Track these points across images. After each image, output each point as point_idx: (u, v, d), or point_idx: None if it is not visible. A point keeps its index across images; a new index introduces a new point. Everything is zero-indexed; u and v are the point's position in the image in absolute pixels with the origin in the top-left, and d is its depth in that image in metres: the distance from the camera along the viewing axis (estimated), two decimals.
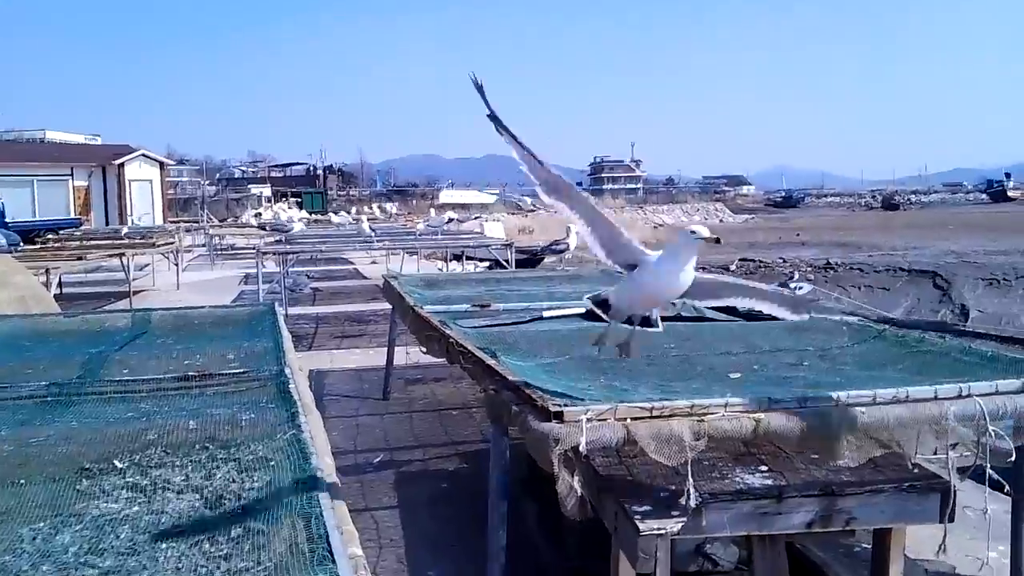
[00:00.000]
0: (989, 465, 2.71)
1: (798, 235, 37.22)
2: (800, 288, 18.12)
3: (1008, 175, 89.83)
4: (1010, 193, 76.27)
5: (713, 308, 4.91)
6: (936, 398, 2.53)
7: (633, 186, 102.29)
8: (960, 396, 2.54)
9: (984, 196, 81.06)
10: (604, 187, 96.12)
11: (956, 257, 23.53)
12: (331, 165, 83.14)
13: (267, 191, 58.80)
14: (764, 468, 2.82)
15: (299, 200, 54.97)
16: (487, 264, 16.59)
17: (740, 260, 27.01)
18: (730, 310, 4.91)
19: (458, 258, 16.91)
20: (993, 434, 2.50)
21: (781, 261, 25.95)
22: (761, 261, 26.43)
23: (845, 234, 36.42)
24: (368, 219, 16.78)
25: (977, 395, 2.54)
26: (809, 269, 23.63)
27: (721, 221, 64.19)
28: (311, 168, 79.32)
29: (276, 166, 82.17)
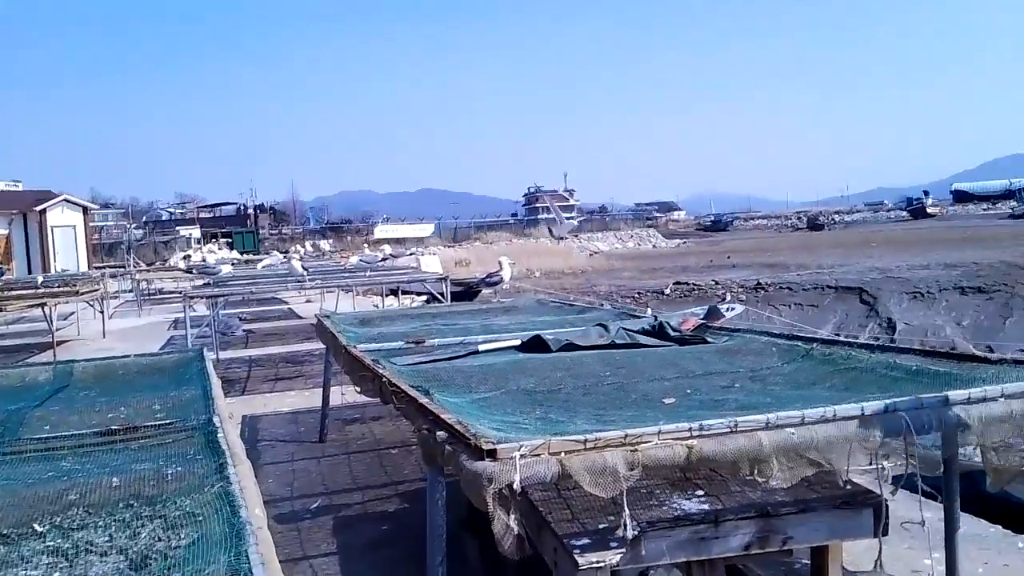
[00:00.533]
0: (920, 477, 2.79)
1: (728, 257, 38.04)
2: (732, 309, 18.47)
3: (927, 192, 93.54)
4: (929, 210, 79.26)
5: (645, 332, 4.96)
6: (863, 415, 2.57)
7: (567, 215, 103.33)
8: (886, 412, 2.58)
9: (904, 213, 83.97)
10: (539, 216, 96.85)
11: (880, 273, 24.34)
12: (262, 204, 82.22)
13: (196, 232, 57.67)
14: (700, 493, 2.84)
15: (230, 240, 53.94)
16: (425, 298, 16.53)
17: (674, 284, 27.49)
18: (663, 335, 4.96)
19: (395, 293, 16.78)
20: (920, 447, 2.56)
21: (713, 283, 26.50)
22: (695, 284, 26.94)
23: (773, 255, 37.36)
24: (299, 258, 16.54)
25: (903, 410, 2.59)
26: (741, 290, 24.17)
27: (654, 246, 65.29)
28: (242, 207, 78.24)
29: (205, 206, 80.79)
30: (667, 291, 26.40)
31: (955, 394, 2.70)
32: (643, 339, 4.87)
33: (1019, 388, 2.81)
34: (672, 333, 4.97)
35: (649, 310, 6.85)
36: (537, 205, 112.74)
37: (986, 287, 20.31)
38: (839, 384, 3.47)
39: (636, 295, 26.06)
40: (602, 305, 8.78)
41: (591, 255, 52.52)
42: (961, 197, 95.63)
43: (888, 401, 2.62)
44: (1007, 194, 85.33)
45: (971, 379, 3.13)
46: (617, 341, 4.81)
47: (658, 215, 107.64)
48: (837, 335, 18.78)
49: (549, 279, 35.40)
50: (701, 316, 6.48)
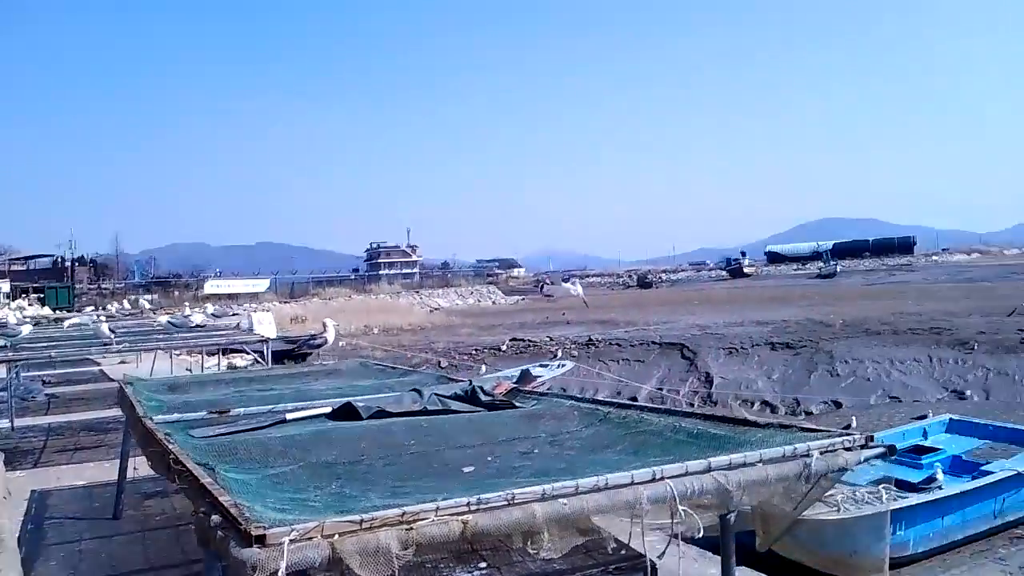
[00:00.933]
0: (698, 535, 2.93)
1: (564, 314, 39.02)
2: (563, 365, 18.97)
3: (744, 253, 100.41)
4: (746, 270, 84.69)
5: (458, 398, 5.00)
6: (632, 483, 2.69)
7: (409, 271, 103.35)
8: (653, 480, 2.72)
9: (724, 273, 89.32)
10: (381, 272, 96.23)
11: (700, 330, 25.72)
12: (82, 256, 77.37)
13: (5, 287, 53.27)
14: (483, 565, 2.86)
15: (41, 296, 50.03)
16: (253, 358, 15.97)
17: (511, 340, 27.88)
18: (474, 400, 5.02)
19: (222, 353, 16.11)
20: (683, 513, 2.70)
21: (548, 340, 27.09)
22: (531, 340, 27.43)
23: (605, 312, 38.65)
24: (105, 319, 15.50)
25: (668, 478, 2.74)
26: (573, 346, 24.85)
27: (494, 303, 66.09)
28: (59, 260, 73.23)
29: (17, 259, 75.02)
30: (504, 348, 26.71)
31: (717, 460, 2.89)
32: (454, 404, 4.91)
33: (776, 453, 3.05)
34: (484, 398, 5.04)
35: (484, 368, 6.92)
36: (379, 260, 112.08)
37: (794, 343, 21.87)
38: (629, 447, 3.63)
39: (473, 351, 26.20)
40: (439, 363, 8.78)
41: (431, 311, 52.52)
42: (774, 258, 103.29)
43: (655, 468, 2.76)
44: (815, 255, 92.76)
45: (741, 442, 3.37)
46: (429, 407, 4.82)
47: (499, 272, 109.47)
48: (660, 389, 19.56)
49: (388, 336, 35.05)
50: (514, 380, 6.60)
